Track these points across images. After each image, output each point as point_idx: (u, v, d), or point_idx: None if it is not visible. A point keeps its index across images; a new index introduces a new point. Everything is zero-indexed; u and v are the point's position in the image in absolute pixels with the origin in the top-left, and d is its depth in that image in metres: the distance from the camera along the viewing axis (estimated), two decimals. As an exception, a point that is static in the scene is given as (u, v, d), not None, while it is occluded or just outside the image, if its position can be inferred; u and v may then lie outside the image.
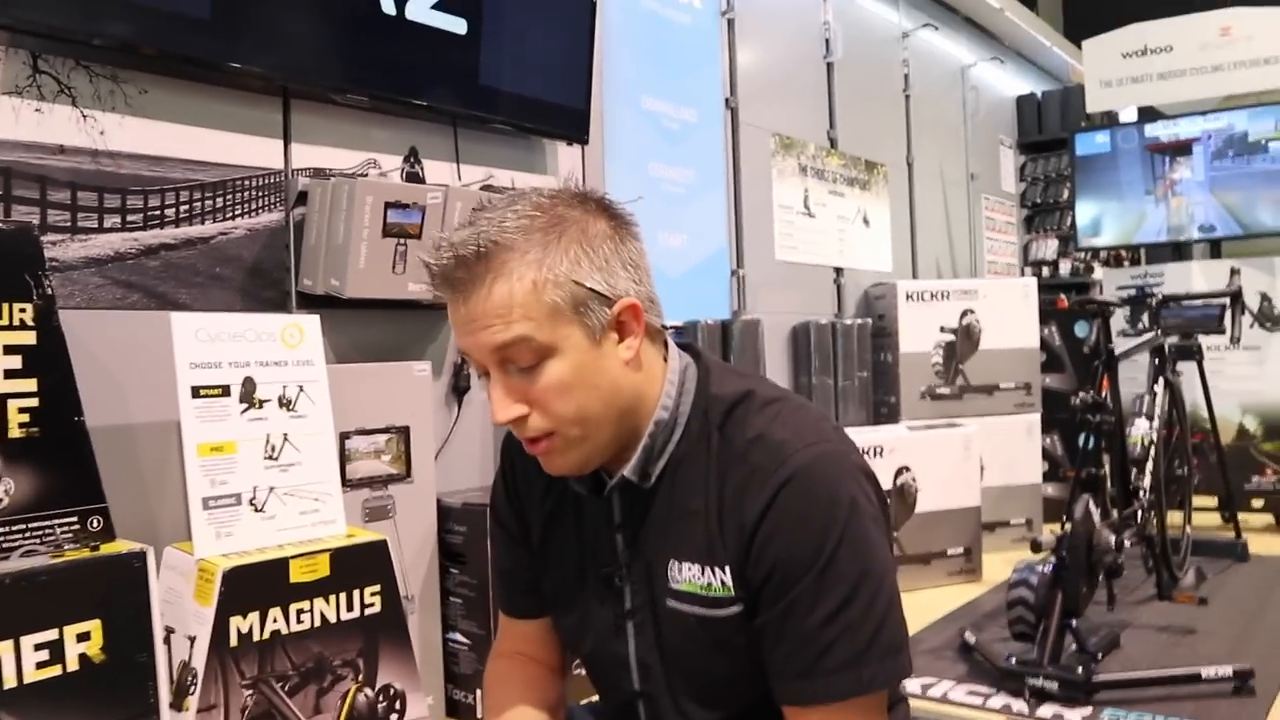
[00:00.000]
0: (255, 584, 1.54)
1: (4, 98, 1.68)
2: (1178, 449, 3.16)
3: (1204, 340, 3.29)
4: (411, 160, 2.37)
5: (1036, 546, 2.30)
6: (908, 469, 3.10)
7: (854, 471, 0.96)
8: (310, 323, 1.80)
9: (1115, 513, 2.64)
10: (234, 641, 1.50)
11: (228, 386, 1.64)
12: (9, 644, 1.26)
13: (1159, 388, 2.93)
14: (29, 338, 1.37)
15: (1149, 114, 4.64)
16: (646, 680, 1.05)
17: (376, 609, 1.69)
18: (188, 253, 1.92)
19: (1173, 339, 3.14)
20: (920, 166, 4.85)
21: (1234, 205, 4.18)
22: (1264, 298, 3.96)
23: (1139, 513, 2.60)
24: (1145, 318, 3.29)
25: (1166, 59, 4.45)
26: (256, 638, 1.53)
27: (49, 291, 1.40)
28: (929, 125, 4.96)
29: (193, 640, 1.50)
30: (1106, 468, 2.78)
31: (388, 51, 2.17)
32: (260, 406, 1.68)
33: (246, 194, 2.02)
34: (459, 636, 2.16)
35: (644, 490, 1.02)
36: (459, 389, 2.46)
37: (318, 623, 1.61)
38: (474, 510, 2.14)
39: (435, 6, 2.25)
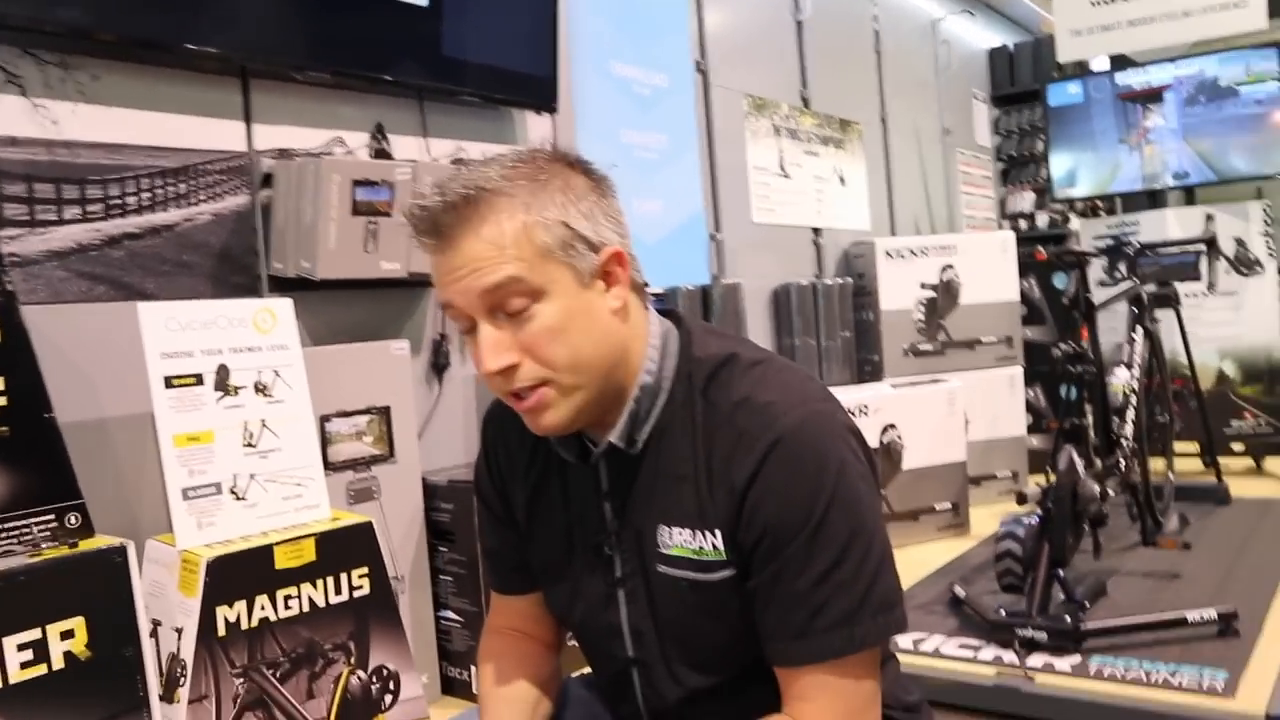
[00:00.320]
0: (240, 572, 1.53)
1: (-48, 89, 1.63)
2: (1158, 396, 3.18)
3: (1181, 287, 3.30)
4: (378, 136, 2.33)
5: (1022, 499, 2.31)
6: (893, 426, 3.11)
7: (842, 431, 0.96)
8: (283, 306, 1.77)
9: (1099, 462, 2.66)
10: (222, 631, 1.49)
11: (201, 375, 1.62)
12: (-10, 645, 1.24)
13: (1138, 336, 2.94)
14: (-9, 335, 1.34)
15: (1121, 62, 4.62)
16: (640, 647, 1.05)
17: (365, 591, 1.68)
18: (152, 241, 1.88)
19: (1150, 287, 3.15)
20: (894, 123, 4.82)
21: (1207, 151, 4.18)
22: (1239, 243, 3.97)
23: (1122, 461, 2.62)
24: (1123, 267, 3.30)
25: (1136, 6, 4.42)
26: (245, 626, 1.52)
27: (9, 288, 1.37)
28: (901, 81, 4.93)
29: (180, 632, 1.49)
30: (1089, 418, 2.79)
31: (349, 26, 2.12)
32: (236, 393, 1.66)
33: (210, 178, 1.98)
34: (451, 614, 2.16)
35: (631, 457, 1.01)
36: (439, 366, 2.44)
37: (306, 608, 1.60)
38: (460, 487, 2.13)
39: (395, -22, 2.20)
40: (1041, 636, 2.07)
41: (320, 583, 1.62)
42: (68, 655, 1.32)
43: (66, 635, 1.32)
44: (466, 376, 2.50)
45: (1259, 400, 3.95)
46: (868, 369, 3.79)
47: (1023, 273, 3.88)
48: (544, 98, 2.62)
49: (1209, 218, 3.93)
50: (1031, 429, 3.89)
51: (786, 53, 4.08)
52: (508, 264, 0.90)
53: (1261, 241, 3.99)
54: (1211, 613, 2.08)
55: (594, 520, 1.06)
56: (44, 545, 1.35)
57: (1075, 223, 5.73)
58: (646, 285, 1.04)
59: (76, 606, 1.33)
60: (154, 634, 1.50)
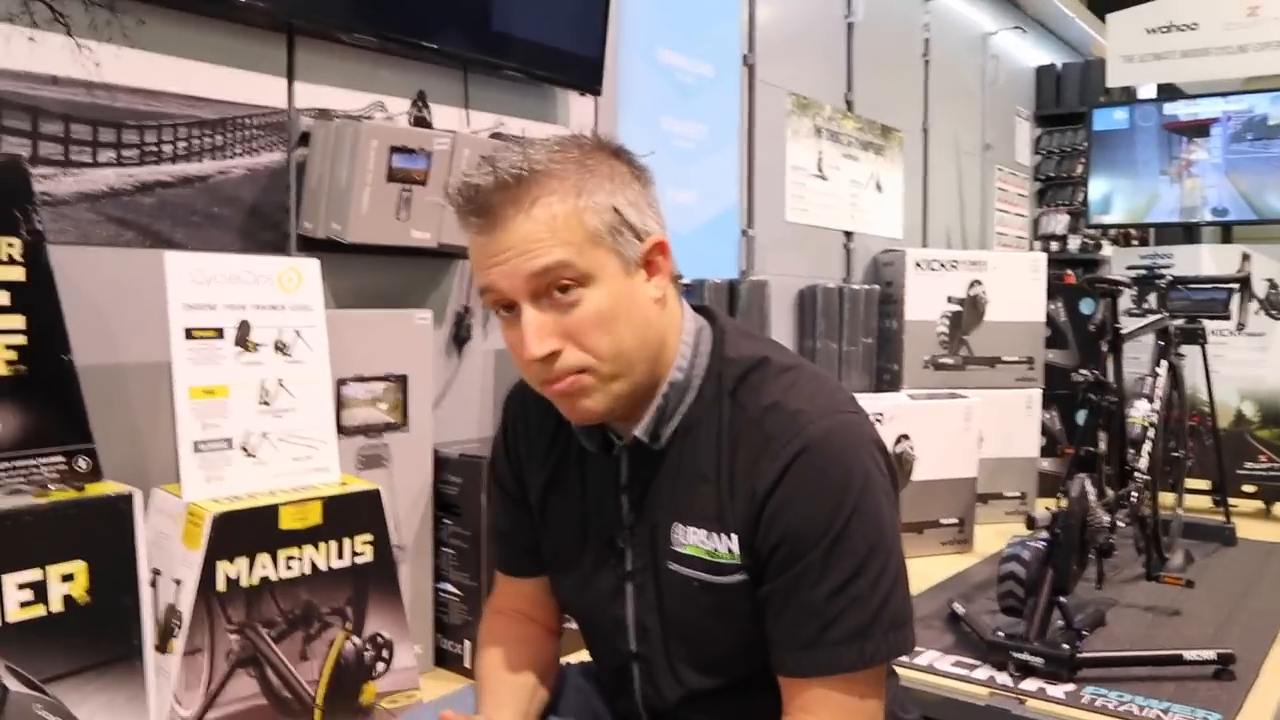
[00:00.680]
0: (244, 529, 1.53)
1: (-2, 23, 1.63)
2: (1175, 432, 3.15)
3: (1208, 324, 3.26)
4: (419, 104, 2.32)
5: (1031, 523, 2.29)
6: (907, 437, 3.09)
7: (868, 444, 0.95)
8: (309, 266, 1.77)
9: (1110, 492, 2.63)
10: (221, 586, 1.50)
11: (222, 329, 1.62)
12: (-8, 582, 1.25)
13: (1162, 370, 2.90)
14: (17, 274, 1.34)
15: (1169, 92, 4.56)
16: (643, 642, 1.05)
17: (368, 558, 1.68)
18: (184, 191, 1.88)
19: (1178, 321, 3.11)
20: (936, 134, 4.77)
21: (1248, 189, 4.12)
22: (1272, 285, 3.92)
23: (1134, 494, 2.60)
24: (1152, 298, 3.27)
25: (1191, 36, 4.36)
26: (244, 583, 1.52)
27: (38, 227, 1.37)
28: (947, 92, 4.88)
29: (179, 583, 1.50)
30: (1103, 446, 2.76)
31: (398, -9, 2.11)
32: (255, 350, 1.66)
33: (247, 132, 1.97)
34: (450, 587, 2.17)
35: (653, 452, 1.00)
36: (460, 339, 2.44)
37: (307, 570, 1.60)
38: (471, 462, 2.13)
39: (448, -54, 2.19)
40: (1037, 661, 2.06)
41: (323, 546, 1.62)
42: (67, 599, 1.32)
43: (67, 578, 1.32)
44: (486, 350, 2.50)
45: (1275, 444, 3.91)
46: (886, 378, 3.77)
47: (1050, 295, 3.85)
48: (589, 79, 2.60)
49: (1245, 256, 3.88)
50: (1044, 452, 3.86)
51: (834, 54, 4.05)
52: (558, 248, 0.89)
53: (1294, 284, 3.93)
54: (1210, 654, 2.06)
55: (610, 512, 1.05)
56: (51, 486, 1.35)
57: (1108, 249, 5.67)
58: (681, 278, 1.04)
59: (79, 551, 1.34)
60: (153, 583, 1.51)
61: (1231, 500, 3.45)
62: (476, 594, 2.08)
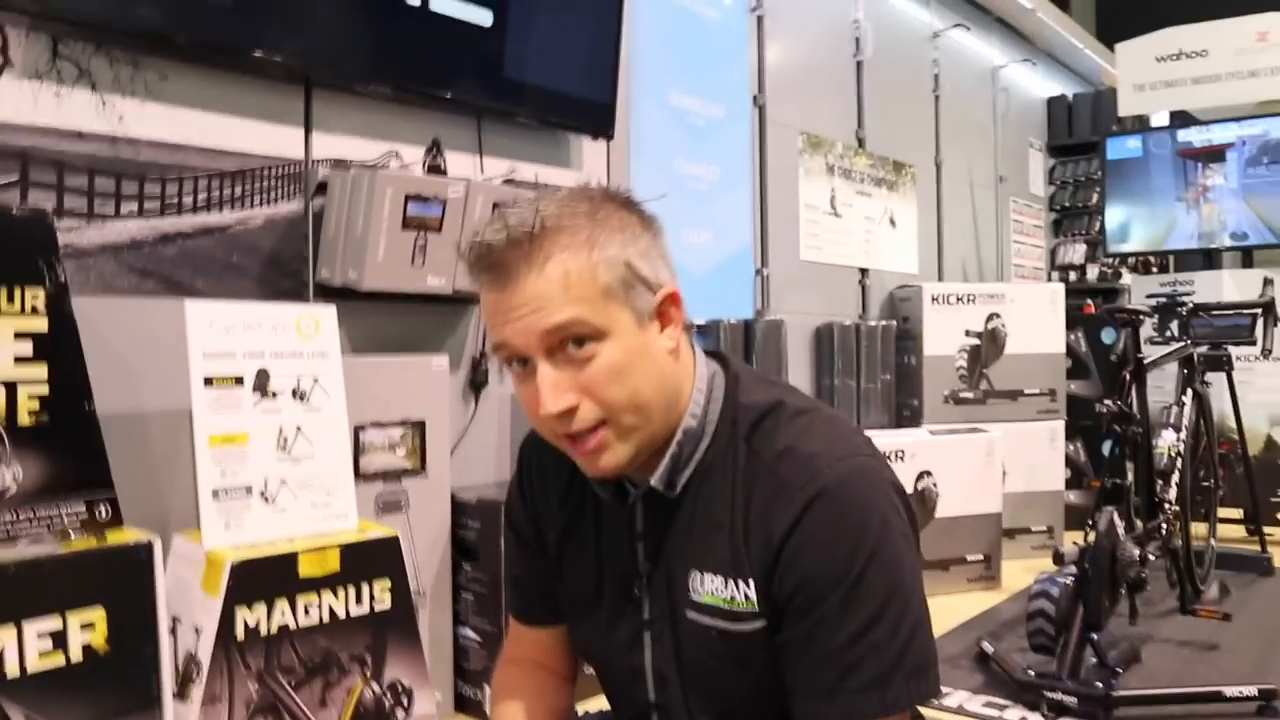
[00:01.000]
0: (263, 577, 1.53)
1: (24, 82, 1.67)
2: (1204, 460, 3.10)
3: (1234, 350, 3.23)
4: (434, 152, 2.35)
5: (1059, 558, 2.25)
6: (929, 473, 3.06)
7: (885, 487, 0.93)
8: (326, 314, 1.78)
9: (1140, 524, 2.59)
10: (240, 634, 1.49)
11: (241, 377, 1.63)
12: (12, 632, 1.25)
13: (1187, 398, 2.87)
14: (40, 324, 1.36)
15: (1181, 119, 4.57)
16: (662, 692, 1.03)
17: (386, 605, 1.67)
18: (205, 241, 1.91)
19: (1202, 348, 3.08)
20: (948, 168, 4.79)
21: (1267, 212, 4.10)
22: (1296, 308, 3.88)
23: (1164, 526, 2.55)
24: (1174, 326, 3.23)
25: (1201, 63, 4.37)
26: (264, 631, 1.52)
27: (61, 278, 1.39)
28: (958, 126, 4.90)
29: (199, 631, 1.49)
30: (1131, 477, 2.73)
31: (411, 42, 2.15)
32: (274, 397, 1.67)
33: (266, 183, 2.00)
34: (470, 632, 2.15)
35: (668, 500, 0.99)
36: (476, 384, 2.45)
37: (326, 617, 1.60)
38: (488, 506, 2.12)
39: (460, -3, 2.23)
40: (1071, 701, 2.02)
41: (341, 592, 1.62)
42: (86, 648, 1.32)
43: (86, 626, 1.32)
44: (503, 395, 2.50)
45: (1309, 471, 3.84)
46: (906, 414, 3.74)
47: (1070, 325, 3.82)
48: (602, 123, 2.63)
49: (1267, 281, 3.84)
50: (1070, 484, 3.81)
51: (844, 92, 4.08)
52: (571, 304, 0.88)
53: (1320, 308, 3.88)
54: (1251, 689, 2.01)
55: (625, 560, 1.04)
56: (73, 534, 1.36)
57: (1127, 278, 5.64)
58: (692, 326, 1.03)
59: (99, 599, 1.34)
60: (173, 630, 1.51)
61: (1266, 529, 3.39)
62: (496, 639, 2.07)
